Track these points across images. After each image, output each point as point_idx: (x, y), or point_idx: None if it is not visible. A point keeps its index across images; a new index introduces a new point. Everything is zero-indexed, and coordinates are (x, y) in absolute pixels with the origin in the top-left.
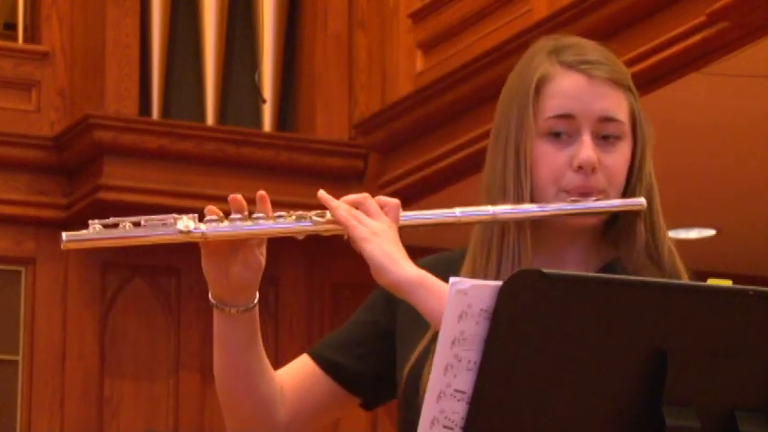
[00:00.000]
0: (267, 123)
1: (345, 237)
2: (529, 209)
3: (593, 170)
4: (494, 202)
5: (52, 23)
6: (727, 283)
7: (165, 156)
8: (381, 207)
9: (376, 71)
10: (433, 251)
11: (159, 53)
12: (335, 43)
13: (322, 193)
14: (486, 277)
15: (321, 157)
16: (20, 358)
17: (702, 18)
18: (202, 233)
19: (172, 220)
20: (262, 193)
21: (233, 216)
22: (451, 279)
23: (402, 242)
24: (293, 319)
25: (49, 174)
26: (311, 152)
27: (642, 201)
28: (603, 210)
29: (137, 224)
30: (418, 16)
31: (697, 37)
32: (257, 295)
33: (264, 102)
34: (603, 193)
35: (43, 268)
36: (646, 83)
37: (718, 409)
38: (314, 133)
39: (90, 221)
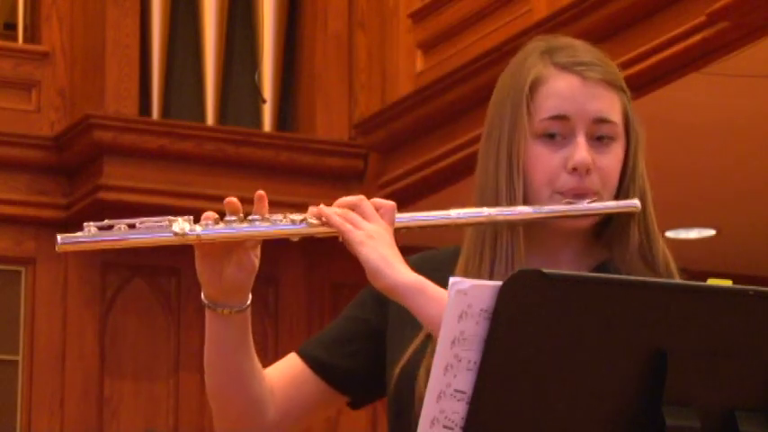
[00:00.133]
0: (267, 123)
1: (341, 239)
2: (524, 210)
3: (588, 172)
4: (487, 204)
5: (52, 23)
6: (727, 283)
7: (165, 156)
8: (377, 209)
9: (376, 71)
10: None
11: (159, 53)
12: (335, 43)
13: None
14: (479, 278)
15: (321, 157)
16: (20, 358)
17: (702, 18)
18: (198, 235)
19: (167, 223)
20: (260, 192)
21: (228, 218)
22: (451, 279)
23: (396, 242)
24: (293, 319)
25: (49, 174)
26: (311, 152)
27: (637, 202)
28: (598, 212)
29: (132, 226)
30: (418, 16)
31: (697, 37)
32: (250, 296)
33: (264, 102)
34: (597, 195)
35: (43, 268)
36: (646, 83)
37: (718, 409)
38: (314, 133)
39: (85, 224)
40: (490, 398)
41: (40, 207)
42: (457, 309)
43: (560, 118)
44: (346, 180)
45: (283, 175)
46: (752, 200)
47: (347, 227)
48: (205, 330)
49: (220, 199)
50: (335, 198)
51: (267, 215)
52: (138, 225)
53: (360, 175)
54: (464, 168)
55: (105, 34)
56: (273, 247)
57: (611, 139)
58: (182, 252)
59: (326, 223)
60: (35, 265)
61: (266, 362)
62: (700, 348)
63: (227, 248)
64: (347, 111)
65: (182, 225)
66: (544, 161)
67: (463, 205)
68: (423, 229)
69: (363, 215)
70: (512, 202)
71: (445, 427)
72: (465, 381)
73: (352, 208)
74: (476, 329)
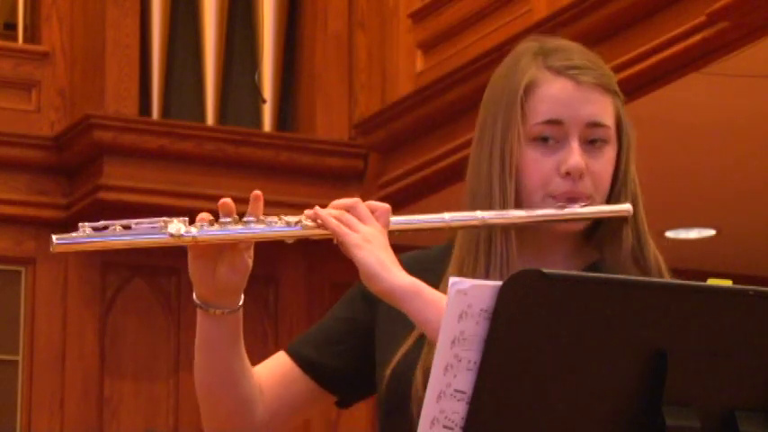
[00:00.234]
0: (267, 123)
1: (335, 241)
2: (517, 214)
3: (581, 176)
4: (479, 207)
5: (52, 23)
6: (727, 283)
7: (165, 156)
8: (372, 212)
9: (376, 71)
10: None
11: (159, 53)
12: (335, 43)
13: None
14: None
15: (321, 157)
16: (20, 358)
17: (702, 18)
18: (193, 237)
19: (162, 224)
20: (257, 192)
21: (223, 219)
22: (451, 279)
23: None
24: (293, 319)
25: (49, 174)
26: (311, 152)
27: (629, 207)
28: (592, 216)
29: (127, 227)
30: (418, 16)
31: (697, 37)
32: (242, 297)
33: (264, 102)
34: (590, 199)
35: (43, 268)
36: (646, 83)
37: (718, 409)
38: (314, 133)
39: (80, 224)
40: (490, 398)
41: (40, 207)
42: (457, 309)
43: (554, 122)
44: (346, 180)
45: (283, 175)
46: (752, 200)
47: (343, 229)
48: (196, 330)
49: (220, 199)
50: (335, 198)
51: (262, 216)
52: (133, 226)
53: (360, 176)
54: (464, 168)
55: (105, 34)
56: (273, 248)
57: (604, 142)
58: (182, 252)
59: (322, 225)
60: (35, 265)
61: None
62: (700, 348)
63: (221, 249)
64: (347, 111)
65: (177, 226)
66: (537, 165)
67: (463, 206)
68: (417, 231)
69: (359, 217)
70: (504, 205)
71: (445, 427)
72: (465, 381)
73: (348, 210)
74: (476, 329)
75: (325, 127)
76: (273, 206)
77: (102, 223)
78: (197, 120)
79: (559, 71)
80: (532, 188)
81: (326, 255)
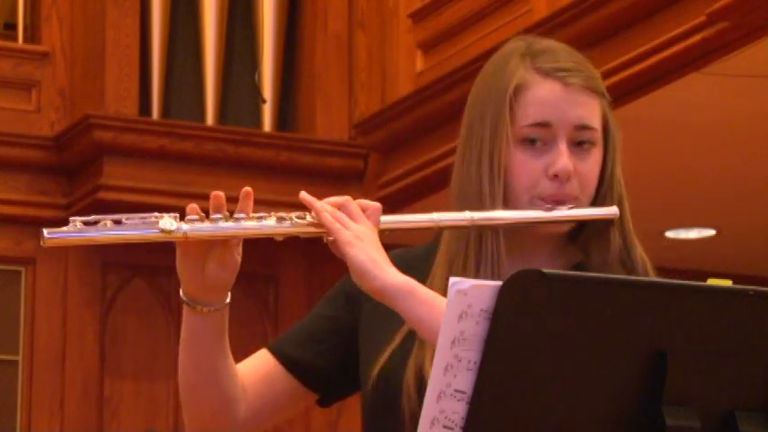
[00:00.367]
0: (267, 123)
1: (326, 239)
2: (506, 215)
3: (569, 178)
4: (467, 207)
5: (52, 23)
6: (727, 283)
7: (165, 156)
8: (363, 210)
9: (376, 71)
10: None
11: (159, 53)
12: (335, 43)
13: (304, 195)
14: None
15: (321, 157)
16: (20, 358)
17: (702, 18)
18: (184, 233)
19: (153, 219)
20: (246, 189)
21: (214, 216)
22: (452, 279)
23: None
24: (293, 319)
25: (49, 174)
26: (311, 152)
27: (615, 210)
28: (579, 218)
29: (118, 222)
30: (418, 16)
31: (697, 37)
32: (229, 295)
33: (264, 102)
34: (577, 200)
35: (43, 268)
36: (646, 83)
37: (718, 409)
38: (314, 133)
39: (71, 218)
40: (490, 398)
41: (40, 207)
42: (457, 309)
43: (542, 125)
44: (346, 180)
45: (283, 175)
46: (752, 200)
47: (337, 226)
48: (181, 328)
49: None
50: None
51: (252, 213)
52: (124, 221)
53: (360, 175)
54: None
55: (105, 34)
56: (273, 247)
57: (592, 144)
58: None
59: (314, 223)
60: (35, 265)
61: None
62: (700, 348)
63: (210, 246)
64: (347, 111)
65: (168, 222)
66: (525, 167)
67: (449, 206)
68: (406, 231)
69: (350, 215)
70: (492, 206)
71: (445, 427)
72: (465, 381)
73: (339, 208)
74: (476, 329)
75: (325, 127)
76: (274, 206)
77: (93, 218)
78: (197, 120)
79: (548, 73)
80: (520, 190)
81: (327, 255)
